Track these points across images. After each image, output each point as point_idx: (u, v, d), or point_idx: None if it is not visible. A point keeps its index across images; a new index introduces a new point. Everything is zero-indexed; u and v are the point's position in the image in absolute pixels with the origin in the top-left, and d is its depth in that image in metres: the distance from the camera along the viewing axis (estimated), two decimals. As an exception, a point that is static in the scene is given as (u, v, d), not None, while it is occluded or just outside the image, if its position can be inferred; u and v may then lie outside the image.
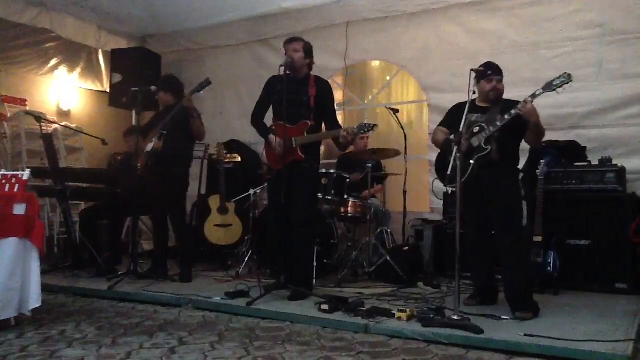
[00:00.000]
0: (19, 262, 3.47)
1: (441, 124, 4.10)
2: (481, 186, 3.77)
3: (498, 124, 3.67)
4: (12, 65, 6.78)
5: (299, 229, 4.29)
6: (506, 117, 3.64)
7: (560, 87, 3.54)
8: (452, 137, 3.76)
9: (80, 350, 3.06)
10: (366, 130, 4.25)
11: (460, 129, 3.59)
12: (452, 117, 3.96)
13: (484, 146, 3.72)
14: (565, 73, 3.55)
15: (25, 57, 6.82)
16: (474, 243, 3.97)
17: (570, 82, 3.54)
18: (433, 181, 3.86)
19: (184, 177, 5.17)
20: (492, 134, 3.70)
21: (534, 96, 3.59)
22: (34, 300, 3.51)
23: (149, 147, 4.95)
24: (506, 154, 3.77)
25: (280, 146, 4.23)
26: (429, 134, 6.00)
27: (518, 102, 3.67)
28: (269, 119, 4.51)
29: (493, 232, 3.86)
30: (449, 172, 3.56)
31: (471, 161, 3.74)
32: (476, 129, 3.78)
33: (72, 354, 2.99)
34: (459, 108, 3.86)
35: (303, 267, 4.34)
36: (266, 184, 5.65)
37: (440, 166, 3.98)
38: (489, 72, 3.85)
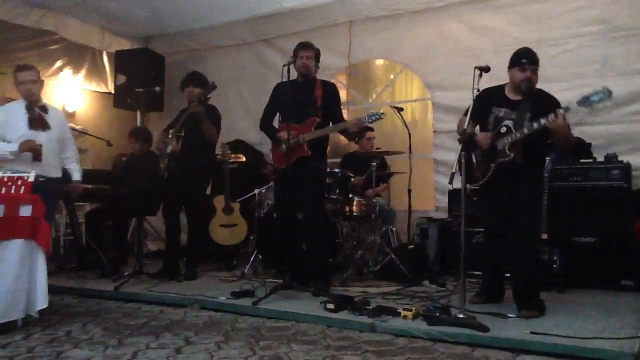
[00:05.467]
0: (25, 263, 3.49)
1: (466, 114, 3.84)
2: (501, 186, 3.72)
3: (526, 131, 3.52)
4: (17, 67, 6.80)
5: (307, 227, 4.33)
6: (534, 125, 3.48)
7: (599, 103, 3.31)
8: (476, 129, 3.67)
9: (86, 350, 3.07)
10: (374, 119, 4.32)
11: (466, 125, 3.54)
12: (477, 107, 3.70)
13: (507, 152, 3.62)
14: (605, 88, 3.29)
15: (30, 59, 6.81)
16: (487, 241, 3.95)
17: (608, 101, 3.31)
18: (451, 178, 3.66)
19: (202, 177, 5.25)
20: (517, 140, 3.57)
21: (566, 109, 3.39)
22: (41, 301, 3.53)
23: (169, 149, 5.02)
24: (530, 156, 3.66)
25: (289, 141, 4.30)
26: (434, 132, 6.00)
27: (551, 98, 3.56)
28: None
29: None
30: (453, 170, 3.52)
31: (492, 164, 3.69)
32: (503, 129, 3.64)
33: (78, 355, 3.00)
34: (485, 96, 3.69)
35: (319, 265, 4.43)
36: (271, 184, 5.69)
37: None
38: (523, 60, 3.63)
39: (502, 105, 3.73)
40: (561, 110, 3.40)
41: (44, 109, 4.40)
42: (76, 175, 4.70)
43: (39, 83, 4.39)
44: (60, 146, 4.51)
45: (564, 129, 3.43)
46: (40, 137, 4.26)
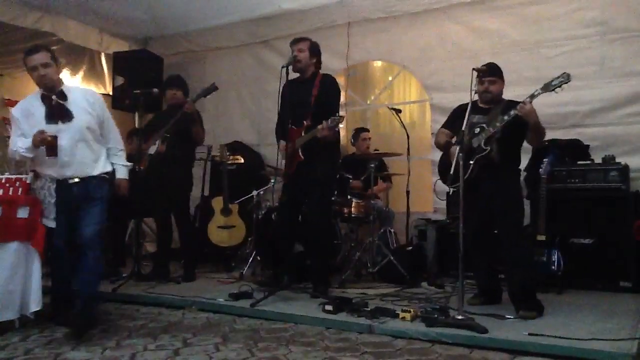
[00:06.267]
0: (20, 264, 3.50)
1: (444, 126, 4.11)
2: (482, 186, 3.77)
3: (498, 124, 3.68)
4: (15, 69, 6.78)
5: (309, 230, 4.32)
6: (505, 117, 3.64)
7: (559, 87, 3.52)
8: (453, 139, 3.78)
9: (84, 352, 3.07)
10: (335, 122, 4.15)
11: (464, 126, 3.59)
12: (455, 118, 3.96)
13: (483, 147, 3.72)
14: (564, 73, 3.53)
15: (28, 61, 6.83)
16: (475, 243, 3.97)
17: (569, 82, 3.51)
18: (436, 181, 3.91)
19: (187, 178, 5.22)
20: (492, 134, 3.70)
21: (532, 97, 3.59)
22: (35, 303, 3.53)
23: (152, 149, 4.99)
24: (507, 154, 3.77)
25: (286, 150, 4.32)
26: (432, 133, 5.98)
27: (519, 103, 3.67)
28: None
29: (495, 232, 3.85)
30: (451, 173, 3.58)
31: (471, 162, 3.73)
32: (477, 130, 3.79)
33: (76, 356, 3.00)
34: (461, 109, 3.87)
35: (319, 267, 4.42)
36: (269, 185, 5.70)
37: (443, 167, 3.99)
38: (481, 74, 3.84)
39: (476, 113, 3.86)
40: (528, 99, 3.58)
41: (62, 95, 3.58)
42: (120, 172, 3.87)
43: (54, 66, 3.57)
44: (95, 135, 3.71)
45: (532, 113, 3.58)
46: (61, 130, 3.51)
